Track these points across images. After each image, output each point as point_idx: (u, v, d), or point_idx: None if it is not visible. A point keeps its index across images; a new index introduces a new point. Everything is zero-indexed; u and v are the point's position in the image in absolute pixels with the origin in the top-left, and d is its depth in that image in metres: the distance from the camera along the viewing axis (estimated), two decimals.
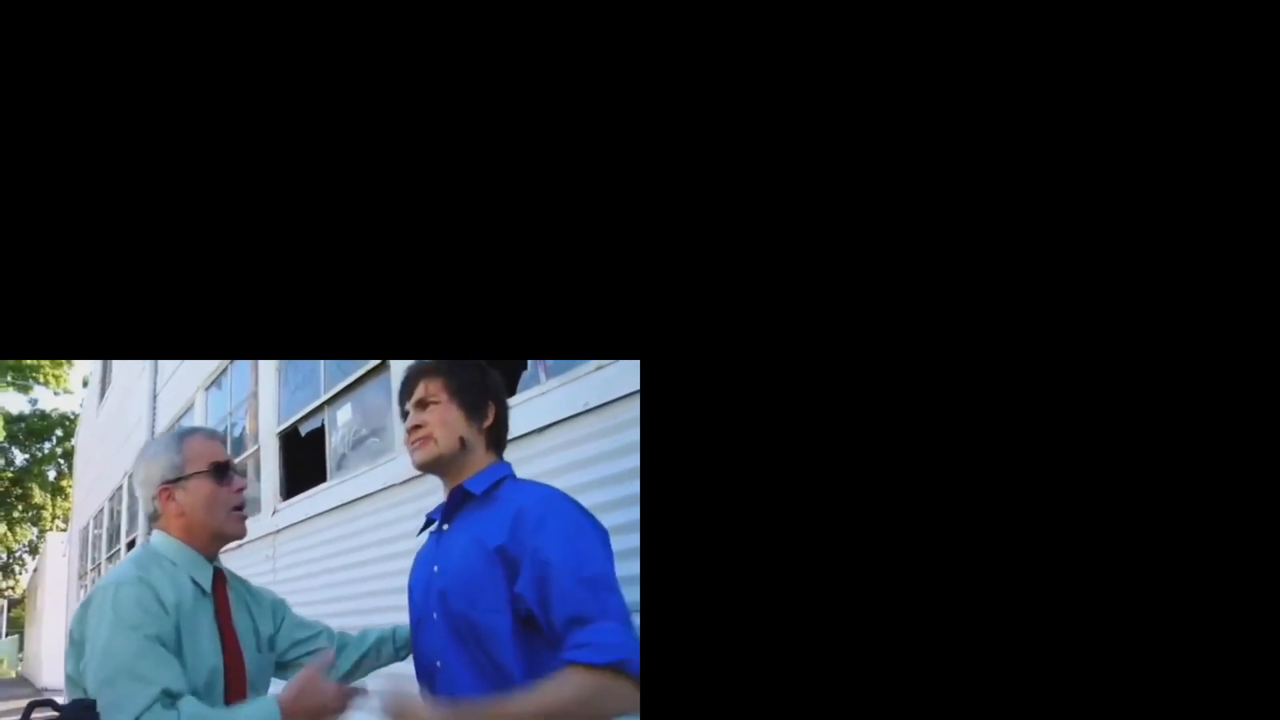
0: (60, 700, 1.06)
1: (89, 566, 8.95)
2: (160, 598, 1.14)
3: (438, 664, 1.18)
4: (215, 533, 1.26)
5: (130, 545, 6.61)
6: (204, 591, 1.23)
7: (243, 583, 1.35)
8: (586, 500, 1.47)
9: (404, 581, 2.44)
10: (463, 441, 1.22)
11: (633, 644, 1.03)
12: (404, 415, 1.26)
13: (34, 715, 0.87)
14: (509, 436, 1.31)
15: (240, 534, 1.29)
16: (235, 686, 1.20)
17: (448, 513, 1.25)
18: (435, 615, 1.19)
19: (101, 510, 8.20)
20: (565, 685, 1.01)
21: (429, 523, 1.31)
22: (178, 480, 1.25)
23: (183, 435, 1.29)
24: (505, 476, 1.24)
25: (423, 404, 1.23)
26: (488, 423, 1.24)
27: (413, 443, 1.24)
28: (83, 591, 9.24)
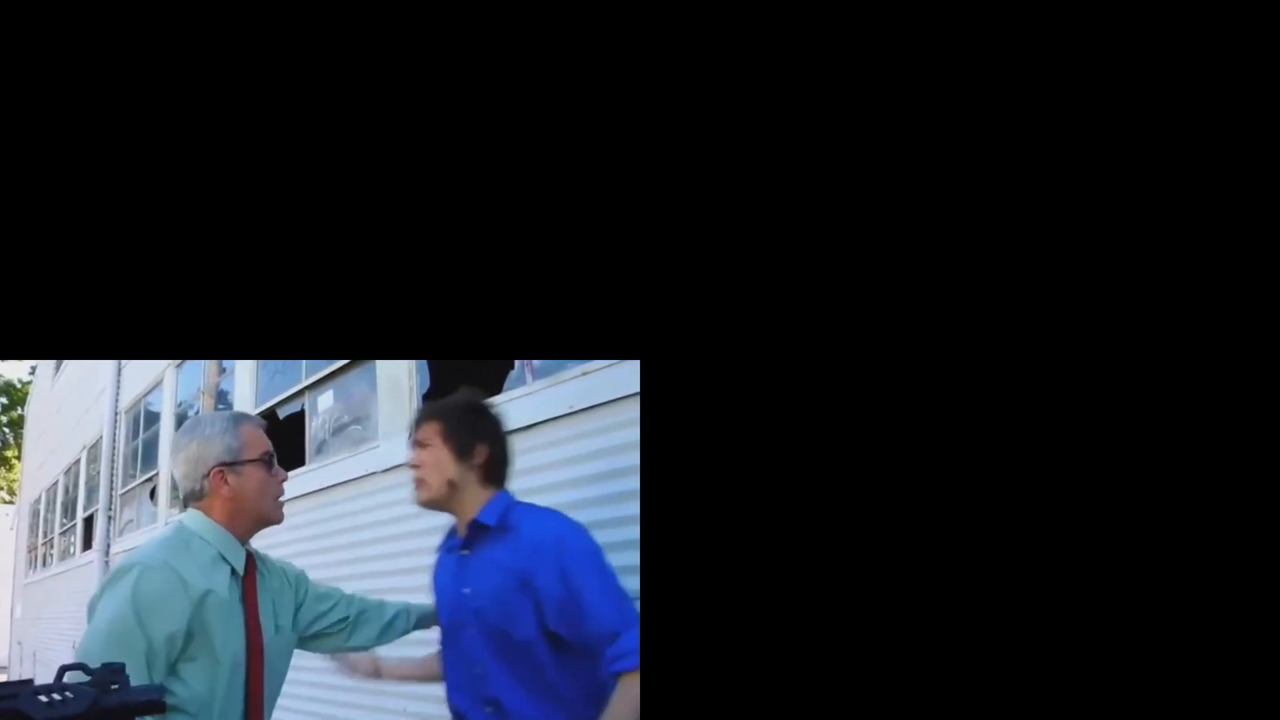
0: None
1: (40, 540, 8.77)
2: (186, 585, 1.17)
3: (476, 670, 1.35)
4: (262, 517, 1.32)
5: (88, 521, 6.52)
6: (237, 575, 1.27)
7: (265, 561, 1.39)
8: (568, 496, 1.58)
9: (379, 566, 2.52)
10: (451, 484, 1.36)
11: None
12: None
13: (65, 677, 0.92)
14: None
15: (281, 519, 1.36)
16: (254, 669, 1.25)
17: (468, 541, 1.39)
18: (472, 630, 1.35)
19: (56, 483, 8.05)
20: (627, 694, 1.20)
21: (446, 544, 1.46)
22: (233, 464, 1.27)
23: (237, 420, 1.32)
24: (510, 504, 1.39)
25: (420, 445, 1.39)
26: (479, 461, 1.37)
27: (414, 482, 1.40)
28: (32, 569, 9.06)
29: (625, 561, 1.49)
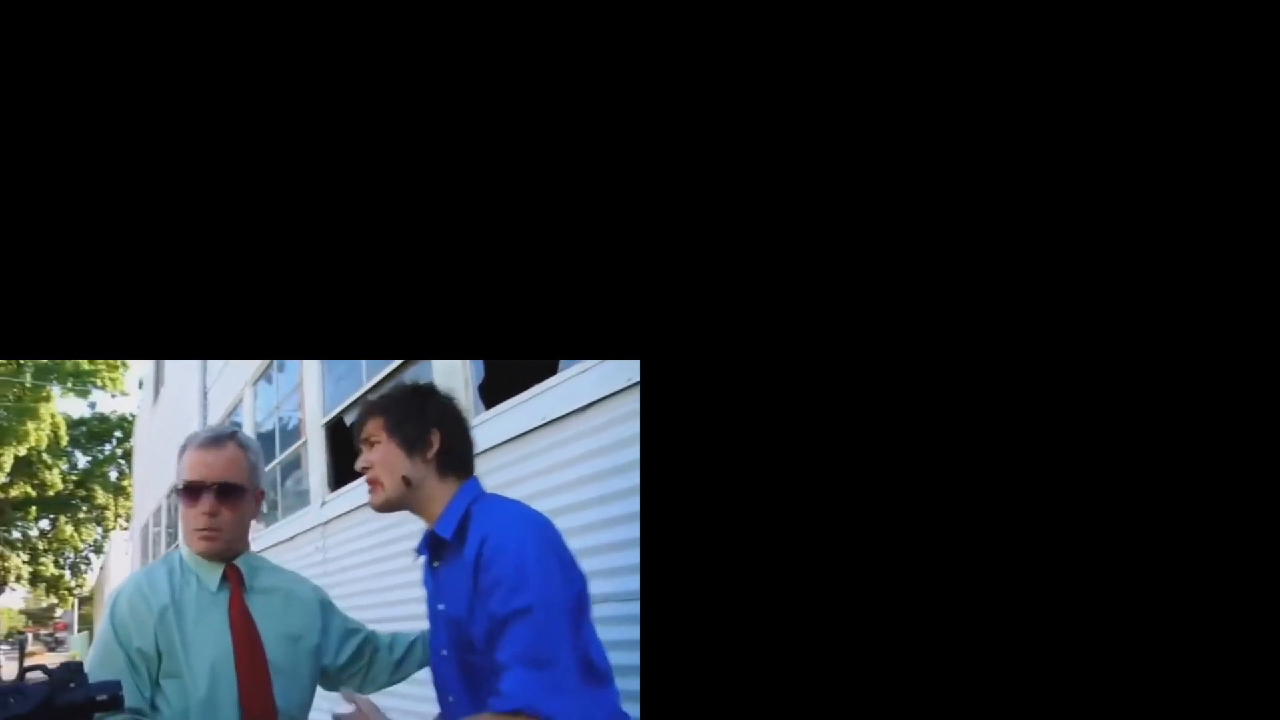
0: None
1: (150, 563, 9.25)
2: (150, 603, 1.22)
3: (450, 699, 1.22)
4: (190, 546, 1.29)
5: None
6: (207, 589, 1.27)
7: (264, 574, 1.36)
8: (614, 486, 1.44)
9: None
10: (407, 480, 1.21)
11: (537, 688, 1.06)
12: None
13: (27, 676, 0.90)
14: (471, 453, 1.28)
15: (203, 553, 1.29)
16: (246, 675, 1.23)
17: (433, 553, 1.26)
18: (445, 651, 1.22)
19: (160, 508, 8.46)
20: None
21: (420, 553, 1.31)
22: (176, 490, 1.29)
23: (185, 444, 1.30)
24: (472, 502, 1.22)
25: (367, 443, 1.25)
26: (433, 451, 1.22)
27: (368, 486, 1.26)
28: None
29: (625, 561, 1.38)
